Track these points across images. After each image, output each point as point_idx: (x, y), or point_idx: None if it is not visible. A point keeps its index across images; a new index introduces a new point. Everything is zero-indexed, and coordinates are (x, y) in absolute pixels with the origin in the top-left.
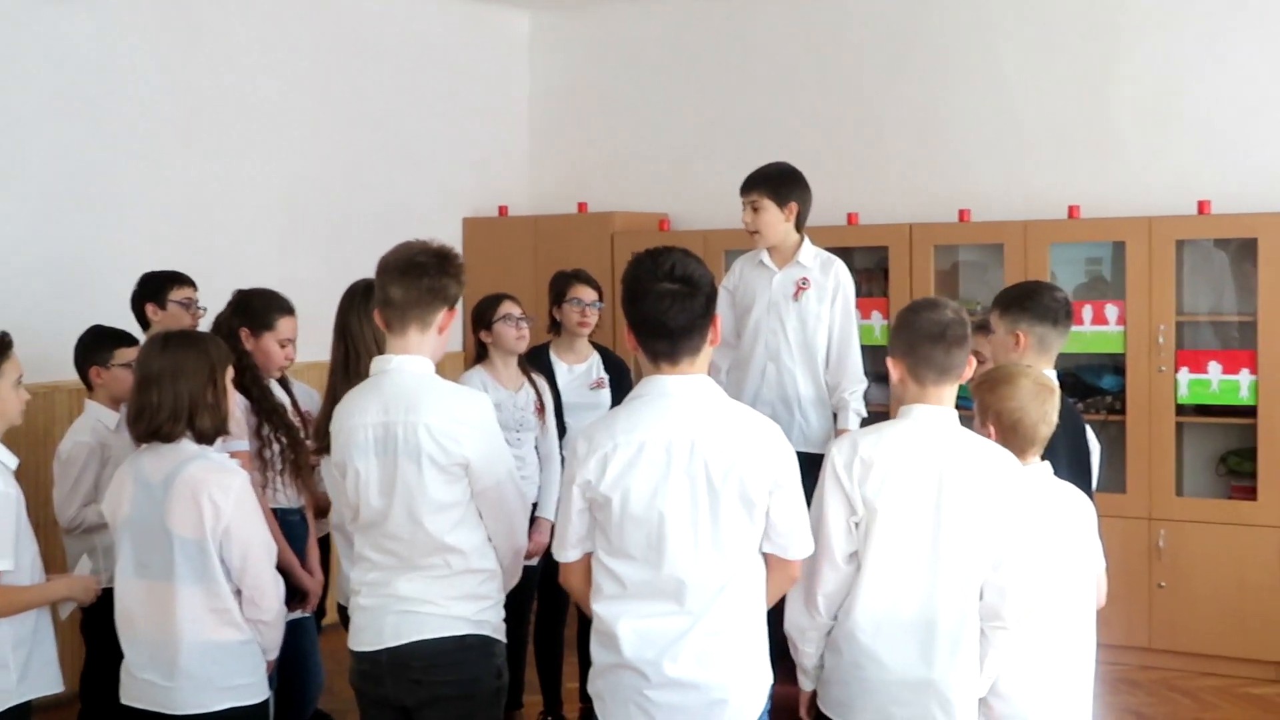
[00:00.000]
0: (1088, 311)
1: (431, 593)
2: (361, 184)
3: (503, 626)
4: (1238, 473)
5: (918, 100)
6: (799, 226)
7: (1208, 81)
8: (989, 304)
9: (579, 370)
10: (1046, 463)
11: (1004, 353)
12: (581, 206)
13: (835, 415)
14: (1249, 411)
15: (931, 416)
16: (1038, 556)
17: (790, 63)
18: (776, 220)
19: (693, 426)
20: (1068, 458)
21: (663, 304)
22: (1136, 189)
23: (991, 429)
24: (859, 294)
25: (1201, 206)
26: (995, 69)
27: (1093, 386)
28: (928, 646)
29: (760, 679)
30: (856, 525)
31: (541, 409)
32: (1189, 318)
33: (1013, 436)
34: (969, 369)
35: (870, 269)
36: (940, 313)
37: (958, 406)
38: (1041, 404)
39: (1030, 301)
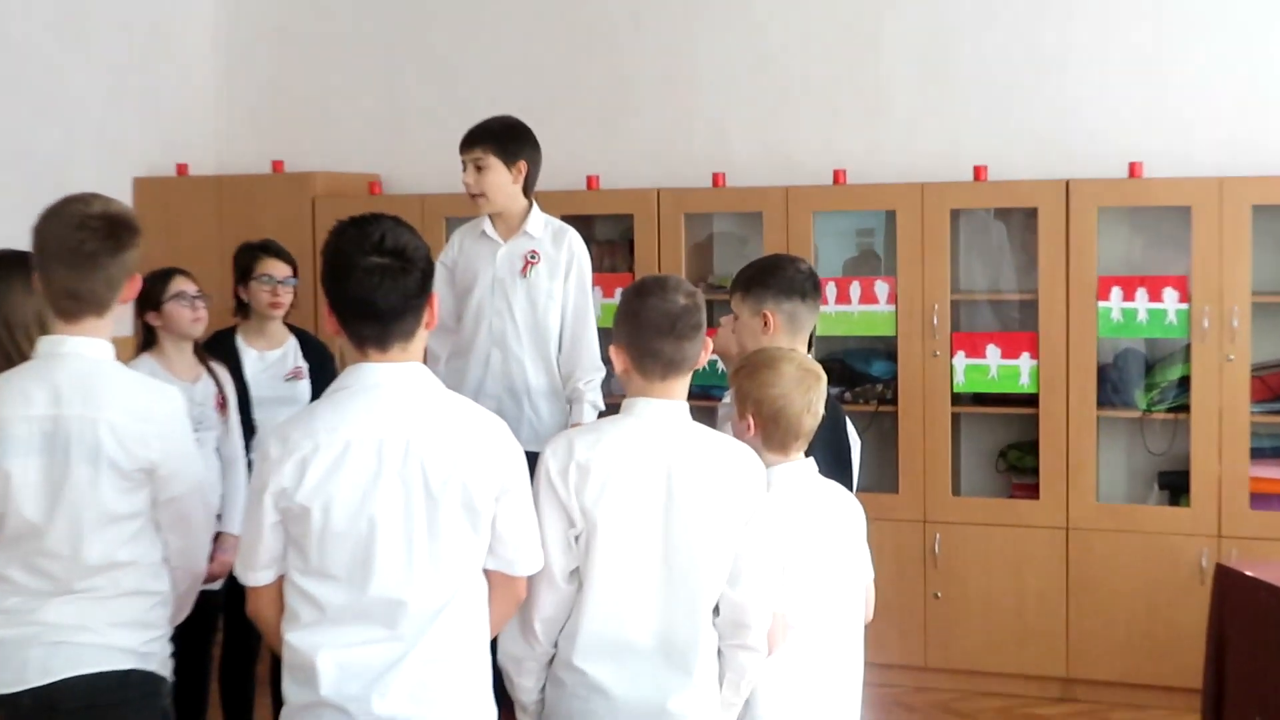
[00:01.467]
0: (856, 289)
1: (91, 618)
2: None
3: (170, 663)
4: (1018, 468)
5: (667, 51)
6: (528, 190)
7: (984, 40)
8: None
9: (271, 358)
10: (810, 459)
11: (753, 337)
12: (277, 165)
13: (570, 408)
14: (1030, 400)
15: (659, 412)
16: (795, 566)
17: (523, 5)
18: (504, 182)
19: (407, 423)
20: (826, 454)
21: (370, 281)
22: (908, 153)
23: (751, 420)
24: (600, 268)
25: (978, 173)
26: (751, 18)
27: (861, 374)
28: (661, 673)
29: (483, 716)
30: (576, 539)
31: (224, 404)
32: (965, 296)
33: (774, 428)
34: (705, 354)
35: (613, 240)
36: (670, 300)
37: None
38: (806, 392)
39: (772, 277)
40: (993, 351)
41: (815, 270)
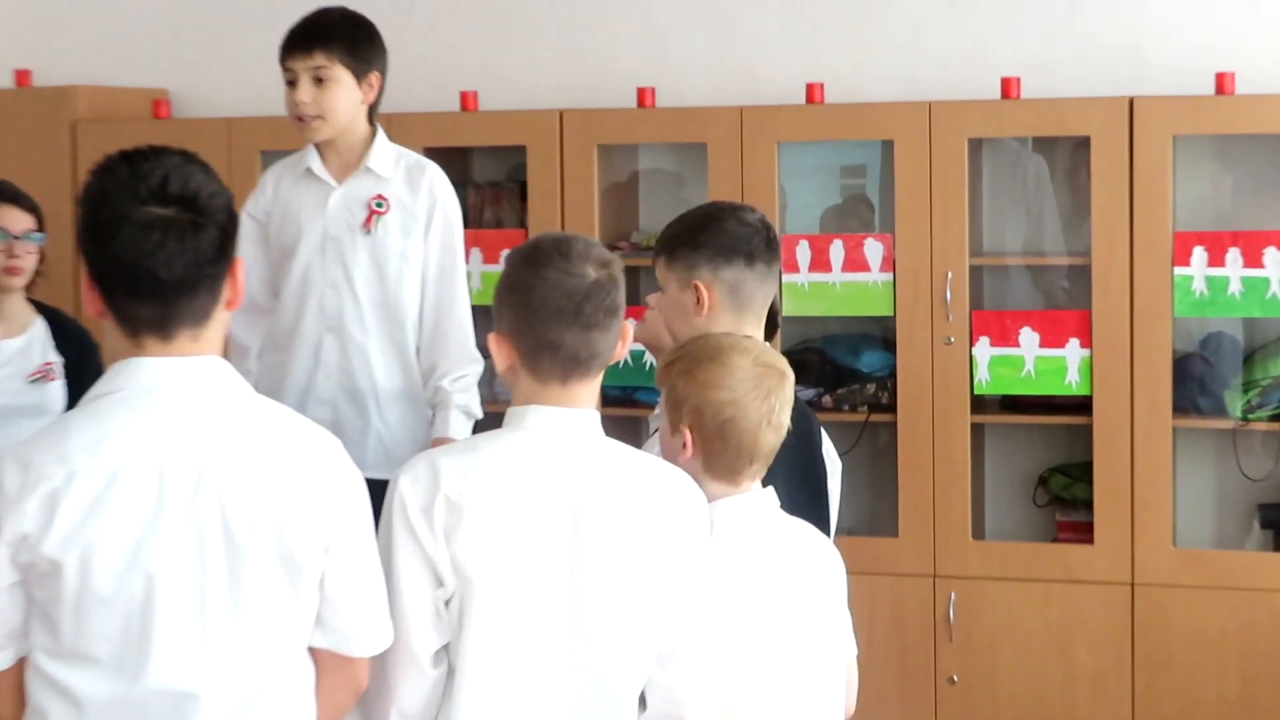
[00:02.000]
0: (837, 251)
1: None
2: None
3: None
4: (1065, 501)
5: None
6: (372, 113)
7: None
8: None
9: (9, 350)
10: (771, 491)
11: (684, 320)
12: (22, 77)
13: (434, 417)
14: (1080, 406)
15: (559, 426)
16: (748, 640)
17: None
18: (352, 100)
19: (199, 443)
20: (794, 482)
21: (147, 241)
22: (911, 62)
23: (689, 436)
24: (476, 222)
25: (1007, 87)
26: None
27: (846, 369)
28: None
29: None
30: (446, 604)
31: None
32: (991, 260)
33: (720, 448)
34: (622, 346)
35: (497, 182)
36: (575, 270)
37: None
38: (765, 396)
39: (705, 233)
40: (1029, 338)
41: (771, 224)
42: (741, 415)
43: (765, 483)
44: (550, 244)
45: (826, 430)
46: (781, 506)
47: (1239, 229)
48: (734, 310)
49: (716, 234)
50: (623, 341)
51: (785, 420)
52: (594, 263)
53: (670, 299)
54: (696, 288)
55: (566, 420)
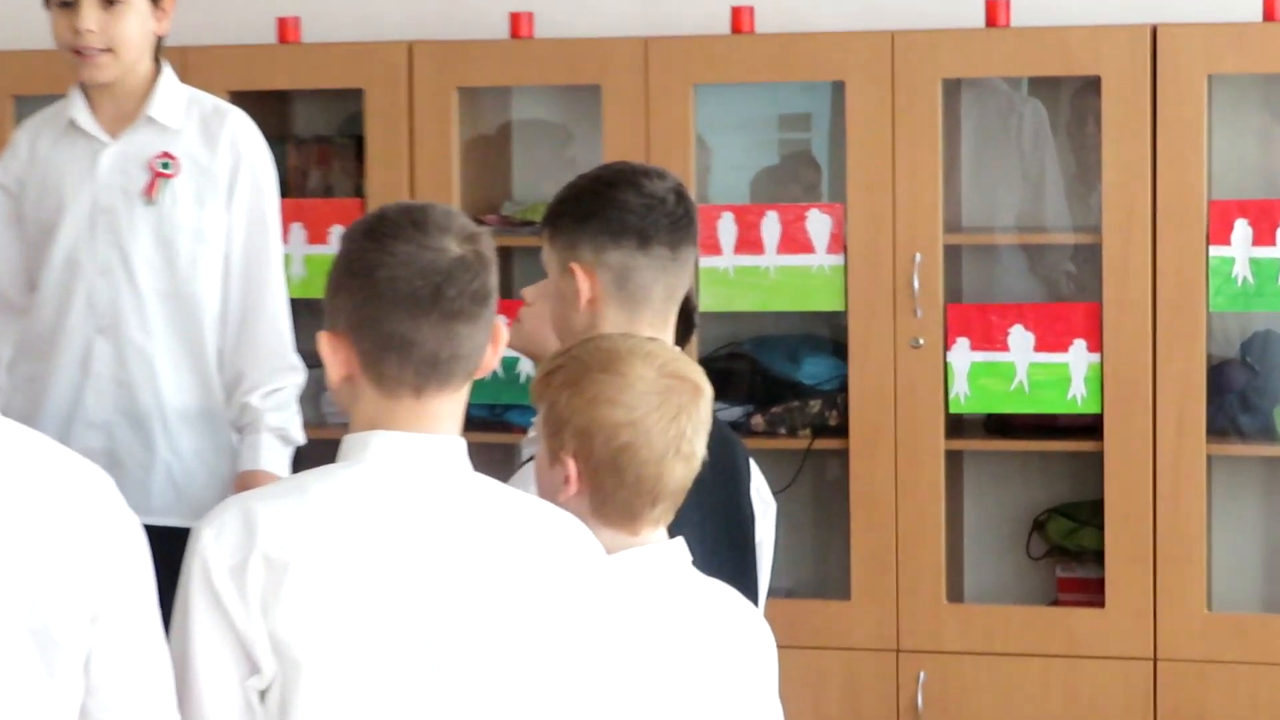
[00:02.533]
0: (771, 226)
1: None
2: None
3: None
4: (1068, 552)
5: None
6: (158, 48)
7: None
8: None
9: None
10: (680, 541)
11: (565, 312)
12: None
13: (241, 444)
14: (1088, 428)
15: (411, 456)
16: None
17: None
18: (145, 29)
19: None
20: (711, 529)
21: None
22: None
23: (572, 468)
24: (298, 189)
25: (993, 12)
26: None
27: (782, 381)
28: None
29: None
30: (263, 696)
31: None
32: (973, 238)
33: (614, 483)
34: (493, 351)
35: (326, 137)
36: (432, 244)
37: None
38: (674, 417)
39: (593, 202)
40: (1021, 339)
41: (685, 193)
42: (642, 441)
43: (673, 531)
44: (399, 213)
45: (757, 461)
46: (695, 562)
47: None
48: (623, 305)
49: (604, 205)
50: (494, 345)
51: (700, 448)
52: (456, 235)
53: (552, 288)
54: (573, 272)
55: (422, 449)
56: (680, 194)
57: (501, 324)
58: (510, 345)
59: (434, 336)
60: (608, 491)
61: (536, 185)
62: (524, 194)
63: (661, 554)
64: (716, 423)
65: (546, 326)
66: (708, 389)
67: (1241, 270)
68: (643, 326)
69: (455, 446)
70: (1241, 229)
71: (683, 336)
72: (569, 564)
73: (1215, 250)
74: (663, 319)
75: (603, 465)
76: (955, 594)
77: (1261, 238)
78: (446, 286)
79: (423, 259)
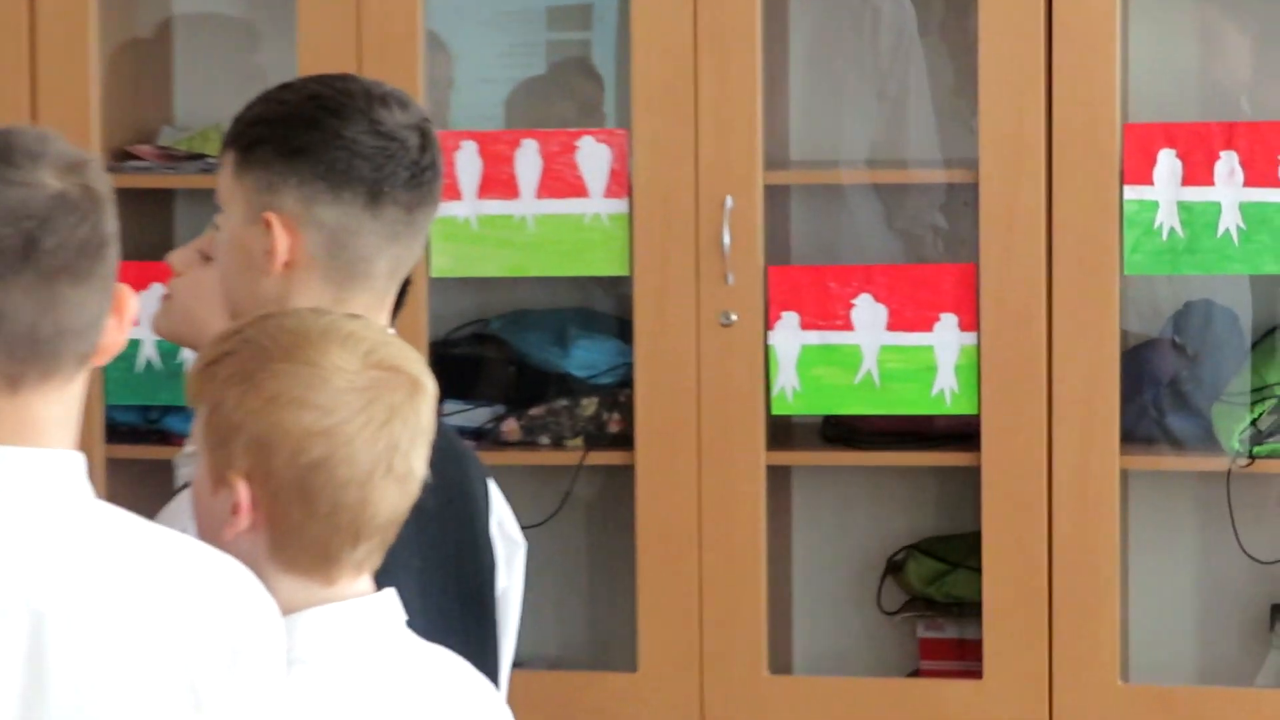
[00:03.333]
0: (529, 161)
1: None
2: None
3: None
4: (933, 603)
5: None
6: None
7: None
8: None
9: None
10: (392, 592)
11: (245, 276)
12: None
13: None
14: (960, 435)
15: (2, 478)
16: None
17: None
18: None
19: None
20: (435, 581)
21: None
22: None
23: (242, 494)
24: None
25: None
26: None
27: (542, 372)
28: None
29: None
30: None
31: None
32: (805, 177)
33: (303, 515)
34: (119, 325)
35: None
36: (18, 178)
37: None
38: (384, 423)
39: (310, 132)
40: (869, 315)
41: (430, 130)
42: (341, 456)
43: (382, 581)
44: None
45: (504, 483)
46: (412, 622)
47: (1241, 119)
48: (332, 277)
49: (325, 140)
50: (117, 316)
51: (419, 466)
52: (54, 166)
53: (231, 239)
54: (268, 223)
55: (20, 470)
56: (425, 134)
57: (127, 290)
58: (158, 330)
59: (29, 304)
60: (292, 526)
61: (207, 105)
62: (190, 117)
63: (364, 612)
64: (445, 431)
65: (206, 302)
66: (430, 385)
67: (1167, 219)
68: (353, 309)
69: (69, 464)
70: (1167, 163)
71: (394, 311)
72: (224, 627)
73: (1132, 192)
74: (380, 301)
75: (286, 490)
76: (780, 663)
77: (1195, 175)
78: (43, 235)
79: (7, 199)
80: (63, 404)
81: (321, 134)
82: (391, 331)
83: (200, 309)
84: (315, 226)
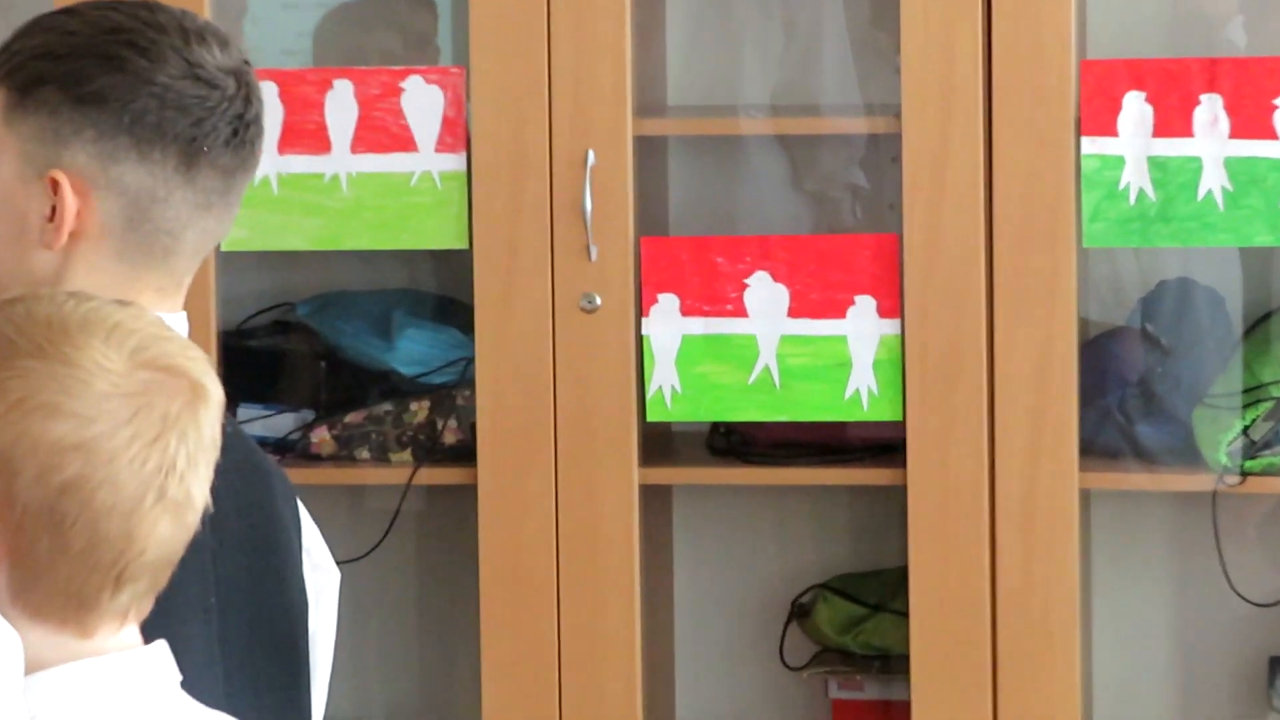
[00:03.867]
0: (343, 106)
1: None
2: None
3: None
4: (849, 655)
5: None
6: None
7: None
8: None
9: None
10: (161, 647)
11: (8, 242)
12: None
13: None
14: (881, 447)
15: None
16: None
17: None
18: None
19: None
20: (232, 625)
21: None
22: None
23: None
24: None
25: None
26: None
27: (362, 369)
28: None
29: None
30: None
31: None
32: (686, 127)
33: (54, 551)
34: None
35: None
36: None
37: None
38: (155, 438)
39: (110, 71)
40: (765, 297)
41: (249, 75)
42: (102, 477)
43: (164, 627)
44: None
45: (314, 506)
46: (203, 679)
47: (1226, 53)
48: (127, 254)
49: (132, 84)
50: None
51: (198, 492)
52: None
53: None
54: (54, 184)
55: None
56: (247, 80)
57: None
58: None
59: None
60: (40, 562)
61: None
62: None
63: (126, 669)
64: (243, 442)
65: None
66: (216, 392)
67: (1135, 178)
68: (144, 293)
69: None
70: (1135, 109)
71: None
72: None
73: (1091, 145)
74: (176, 284)
75: (33, 517)
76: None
77: (1169, 124)
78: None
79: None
80: None
81: (126, 76)
82: (165, 322)
83: None
84: (113, 190)
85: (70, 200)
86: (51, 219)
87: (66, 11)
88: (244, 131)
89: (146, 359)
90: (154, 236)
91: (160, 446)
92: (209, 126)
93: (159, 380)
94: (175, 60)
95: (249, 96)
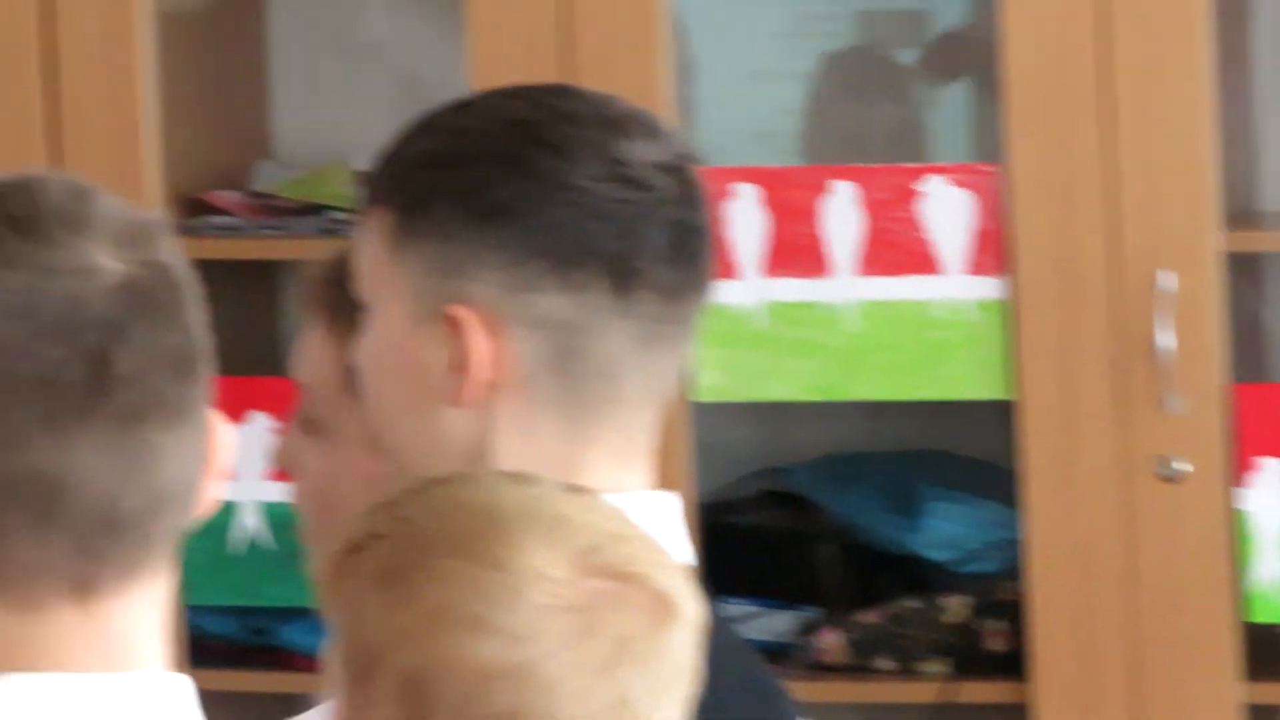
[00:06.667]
0: (841, 225)
1: None
2: None
3: None
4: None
5: None
6: None
7: None
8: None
9: None
10: None
11: (410, 402)
12: None
13: None
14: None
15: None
16: None
17: None
18: None
19: None
20: None
21: None
22: None
23: None
24: None
25: None
26: None
27: (868, 552)
28: None
29: None
30: None
31: None
32: None
33: None
34: (208, 472)
35: None
36: (58, 262)
37: None
38: (601, 663)
39: (514, 178)
40: None
41: (689, 164)
42: (539, 710)
43: None
44: None
45: None
46: None
47: None
48: (566, 407)
49: (549, 191)
50: (208, 460)
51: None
52: (109, 236)
53: (387, 348)
54: (455, 323)
55: (106, 705)
56: (687, 177)
57: (219, 422)
58: (298, 499)
59: (105, 466)
60: None
61: (326, 129)
62: (299, 147)
63: None
64: (741, 657)
65: (344, 474)
66: (689, 609)
67: None
68: (595, 460)
69: (172, 692)
70: None
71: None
72: None
73: None
74: (633, 446)
75: None
76: None
77: None
78: (115, 348)
79: (50, 300)
80: (152, 607)
81: (537, 182)
82: (622, 513)
83: (335, 486)
84: (534, 326)
85: (479, 343)
86: (457, 369)
87: (458, 106)
88: (685, 242)
89: (598, 564)
90: (587, 381)
91: (611, 676)
92: (641, 238)
93: (614, 591)
94: (594, 158)
95: (691, 198)
